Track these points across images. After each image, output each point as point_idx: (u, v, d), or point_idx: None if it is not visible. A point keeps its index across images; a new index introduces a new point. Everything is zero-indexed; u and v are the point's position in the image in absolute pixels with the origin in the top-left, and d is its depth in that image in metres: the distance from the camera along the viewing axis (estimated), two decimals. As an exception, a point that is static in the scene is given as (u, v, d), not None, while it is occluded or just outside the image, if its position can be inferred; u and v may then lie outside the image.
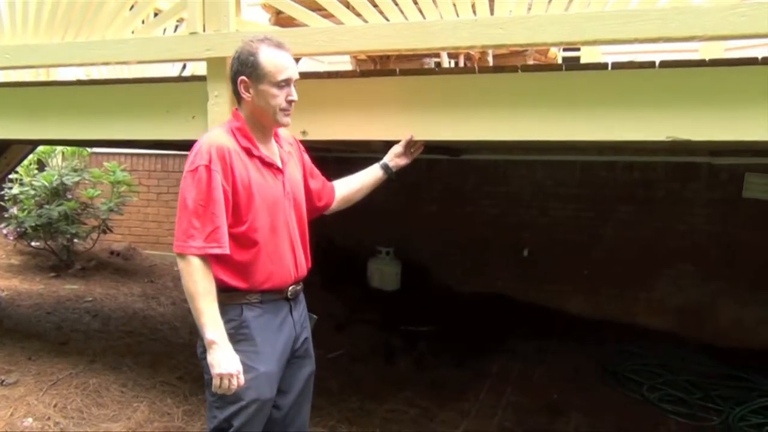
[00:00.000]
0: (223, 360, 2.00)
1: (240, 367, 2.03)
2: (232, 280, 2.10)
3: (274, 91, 2.08)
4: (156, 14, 3.27)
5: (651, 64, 2.27)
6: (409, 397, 4.06)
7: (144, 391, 3.90)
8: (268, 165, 2.16)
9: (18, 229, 6.52)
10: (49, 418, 3.51)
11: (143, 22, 3.15)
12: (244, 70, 2.09)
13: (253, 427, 2.13)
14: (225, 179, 2.03)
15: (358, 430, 3.57)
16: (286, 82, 2.10)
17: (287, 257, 2.19)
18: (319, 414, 3.65)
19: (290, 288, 2.21)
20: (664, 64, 2.25)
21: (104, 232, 7.04)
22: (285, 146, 2.30)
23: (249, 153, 2.12)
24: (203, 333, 2.02)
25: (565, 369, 4.65)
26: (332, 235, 6.72)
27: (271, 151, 2.22)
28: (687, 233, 5.65)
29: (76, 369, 4.17)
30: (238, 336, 2.10)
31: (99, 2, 3.02)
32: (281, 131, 2.32)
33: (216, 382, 2.02)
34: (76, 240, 6.86)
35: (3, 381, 3.94)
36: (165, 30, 3.48)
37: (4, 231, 6.66)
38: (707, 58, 2.29)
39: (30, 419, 3.49)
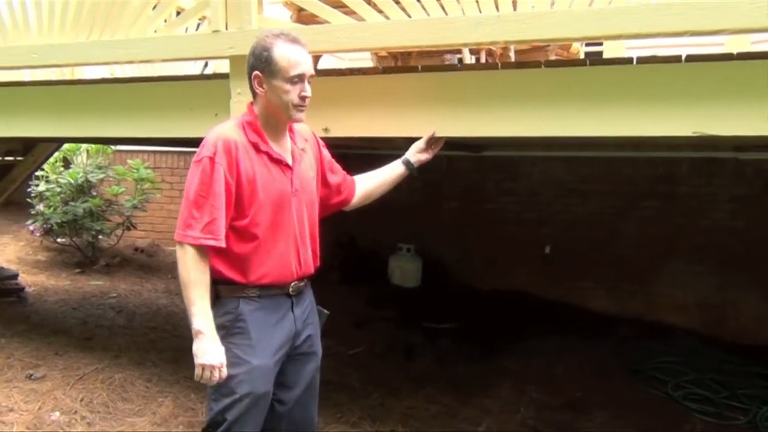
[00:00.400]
0: (208, 351, 2.01)
1: (223, 360, 2.04)
2: (231, 272, 2.11)
3: (287, 86, 2.07)
4: (178, 13, 3.31)
5: (677, 59, 2.24)
6: (430, 393, 4.06)
7: (168, 386, 3.95)
8: (276, 161, 2.15)
9: (44, 226, 6.63)
10: (75, 412, 3.56)
11: (165, 21, 3.18)
12: (258, 65, 2.09)
13: (248, 421, 2.13)
14: (229, 172, 2.03)
15: (380, 427, 3.57)
16: (300, 78, 2.08)
17: (290, 254, 2.18)
18: (340, 410, 3.67)
19: (292, 284, 2.20)
20: (691, 58, 2.22)
21: (128, 228, 7.13)
22: (299, 142, 2.28)
23: (257, 148, 2.11)
24: (191, 322, 2.03)
25: (588, 366, 4.61)
26: (353, 232, 6.74)
27: (283, 147, 2.20)
28: (711, 229, 5.57)
29: (102, 364, 4.23)
30: (233, 329, 2.11)
31: (123, 2, 3.06)
32: (298, 126, 2.31)
33: (198, 371, 2.03)
34: (100, 236, 6.96)
35: (31, 375, 4.01)
36: (187, 29, 3.51)
37: (31, 228, 6.78)
38: (734, 52, 2.25)
39: (57, 413, 3.54)
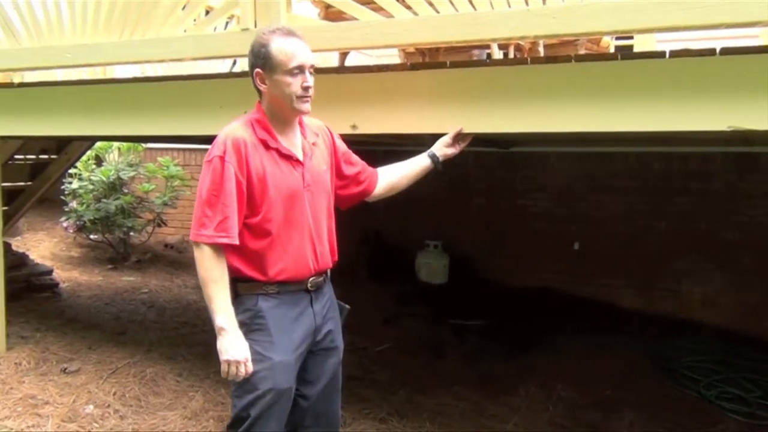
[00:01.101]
0: (231, 346, 2.04)
1: (248, 355, 2.06)
2: (249, 270, 2.13)
3: (288, 79, 2.07)
4: (207, 12, 3.34)
5: (711, 52, 2.19)
6: (458, 390, 4.05)
7: (198, 381, 4.00)
8: (286, 157, 2.16)
9: (77, 223, 6.77)
10: (109, 406, 3.63)
11: (195, 20, 3.21)
12: (258, 62, 2.11)
13: (271, 417, 2.14)
14: (239, 171, 2.05)
15: (407, 423, 3.57)
16: (299, 69, 2.08)
17: (305, 249, 2.18)
18: (368, 406, 3.68)
19: (310, 280, 2.21)
20: (725, 51, 2.17)
21: (158, 225, 7.24)
22: (310, 137, 2.28)
23: (266, 145, 2.12)
24: (213, 319, 2.05)
25: (618, 364, 4.56)
26: (380, 229, 6.75)
27: (292, 142, 2.21)
28: (745, 226, 5.46)
29: (134, 358, 4.30)
30: (253, 326, 2.13)
31: (153, 2, 3.10)
32: (308, 121, 2.31)
33: (224, 368, 2.05)
34: (132, 233, 7.09)
35: (65, 369, 4.10)
36: (215, 28, 3.54)
37: (65, 224, 6.92)
38: (771, 44, 2.20)
39: (91, 406, 3.62)
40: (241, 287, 2.15)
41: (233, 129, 2.12)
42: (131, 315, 5.36)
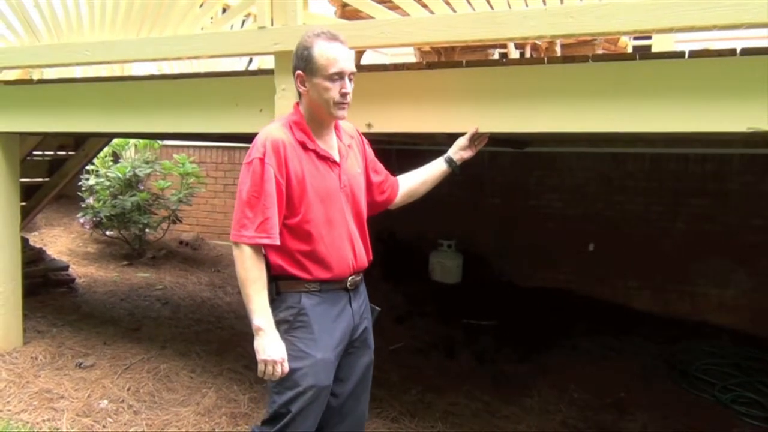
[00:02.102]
0: (268, 346, 2.06)
1: (284, 354, 2.08)
2: (291, 268, 2.15)
3: (327, 84, 2.08)
4: (224, 10, 3.35)
5: (731, 52, 2.17)
6: (470, 390, 4.04)
7: (212, 378, 4.02)
8: (324, 158, 2.18)
9: (94, 219, 6.83)
10: (123, 401, 3.66)
11: (212, 18, 3.22)
12: (300, 64, 2.13)
13: (310, 413, 2.17)
14: (279, 172, 2.07)
15: (419, 423, 3.57)
16: (339, 75, 2.09)
17: (345, 248, 2.21)
18: (380, 405, 3.67)
19: (349, 278, 2.24)
20: (746, 52, 2.15)
21: (174, 222, 7.29)
22: (345, 139, 2.31)
23: (304, 146, 2.14)
24: (251, 319, 2.08)
25: (632, 367, 4.53)
26: (394, 228, 6.74)
27: (329, 144, 2.23)
28: (763, 228, 5.40)
29: (148, 354, 4.33)
30: (296, 323, 2.14)
31: (171, 0, 3.12)
32: (343, 124, 2.33)
33: (261, 367, 2.08)
34: (147, 230, 7.13)
35: (81, 364, 4.13)
36: (232, 26, 3.56)
37: (81, 220, 6.98)
38: (792, 45, 2.17)
39: (106, 401, 3.64)
40: (282, 285, 2.17)
41: (272, 130, 2.13)
42: (146, 311, 5.39)
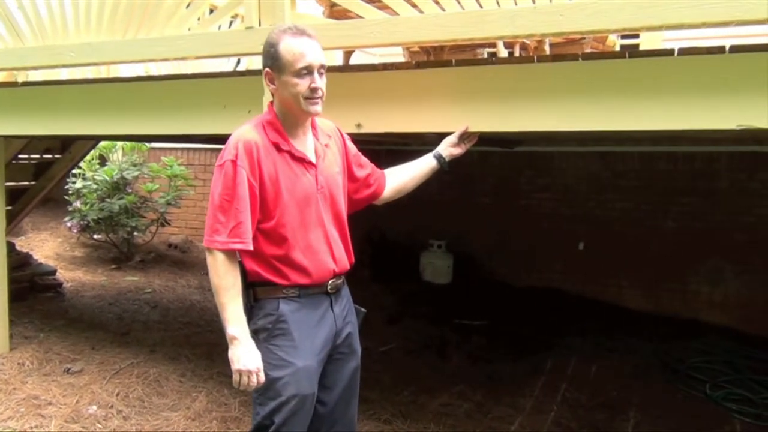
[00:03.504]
0: (243, 356, 1.99)
1: (260, 364, 2.01)
2: (268, 274, 2.08)
3: (295, 80, 2.03)
4: (211, 11, 3.32)
5: (720, 50, 2.16)
6: (462, 391, 4.03)
7: (202, 382, 3.99)
8: (299, 159, 2.12)
9: (81, 223, 6.76)
10: (112, 406, 3.62)
11: (199, 19, 3.19)
12: (267, 61, 2.08)
13: (295, 423, 2.10)
14: (252, 175, 2.01)
15: (411, 424, 3.55)
16: (307, 70, 2.03)
17: (323, 252, 2.15)
18: (372, 407, 3.66)
19: (330, 282, 2.18)
20: (735, 49, 2.14)
21: (162, 225, 7.23)
22: (322, 138, 2.24)
23: (278, 147, 2.08)
24: (225, 328, 2.01)
25: (624, 365, 4.53)
26: (384, 229, 6.73)
27: (304, 144, 2.17)
28: (753, 226, 5.43)
29: (137, 359, 4.29)
30: (275, 331, 2.08)
31: (157, 1, 3.08)
32: (320, 122, 2.27)
33: (236, 377, 2.01)
34: (135, 233, 7.08)
35: (69, 369, 4.09)
36: (219, 27, 3.53)
37: (68, 224, 6.91)
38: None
39: (94, 406, 3.61)
40: (259, 291, 2.10)
41: (244, 132, 2.08)
42: (135, 315, 5.35)
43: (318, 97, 2.08)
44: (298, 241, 2.09)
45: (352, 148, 2.40)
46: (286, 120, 2.13)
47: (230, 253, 2.01)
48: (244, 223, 2.00)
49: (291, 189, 2.08)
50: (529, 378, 4.29)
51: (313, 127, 2.23)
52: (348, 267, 2.27)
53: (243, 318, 2.02)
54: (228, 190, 1.99)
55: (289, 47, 2.03)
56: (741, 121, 2.15)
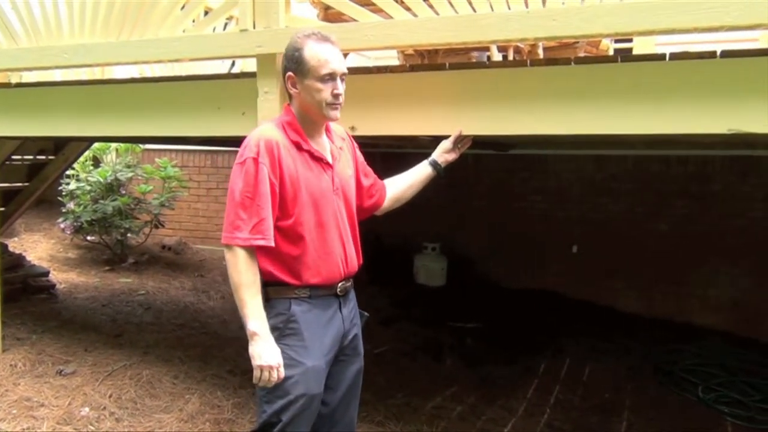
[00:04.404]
0: (264, 352, 2.01)
1: (280, 360, 2.03)
2: (281, 273, 2.11)
3: (319, 85, 2.07)
4: (206, 13, 3.32)
5: (712, 54, 2.18)
6: (456, 393, 4.04)
7: (195, 384, 3.98)
8: (318, 159, 2.15)
9: (75, 224, 6.74)
10: (104, 408, 3.61)
11: (194, 21, 3.19)
12: (291, 65, 2.11)
13: (301, 422, 2.13)
14: (272, 172, 2.03)
15: (404, 426, 3.56)
16: (331, 76, 2.07)
17: (336, 252, 2.17)
18: (365, 409, 3.65)
19: (340, 284, 2.20)
20: (726, 54, 2.16)
21: (156, 226, 7.21)
22: (337, 141, 2.28)
23: (298, 147, 2.11)
24: (245, 324, 2.03)
25: (617, 368, 4.56)
26: (379, 231, 6.73)
27: (322, 146, 2.21)
28: (745, 228, 5.46)
29: (130, 360, 4.28)
30: (286, 330, 2.10)
31: (152, 2, 3.08)
32: (334, 126, 2.31)
33: (256, 373, 2.03)
34: (129, 234, 7.06)
35: (62, 371, 4.07)
36: (214, 29, 3.52)
37: (62, 225, 6.89)
38: (772, 47, 2.19)
39: (87, 408, 3.59)
40: (271, 291, 2.12)
41: (265, 130, 2.10)
42: (128, 317, 5.33)
43: (339, 104, 2.12)
44: (314, 240, 2.11)
45: (360, 156, 2.43)
46: (304, 122, 2.16)
47: (250, 250, 2.03)
48: (266, 220, 2.02)
49: (310, 188, 2.10)
50: (522, 380, 4.30)
51: (328, 130, 2.27)
52: (357, 269, 2.30)
53: (263, 314, 2.05)
54: (249, 186, 2.01)
55: (314, 53, 2.06)
56: (732, 125, 2.16)
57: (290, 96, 2.18)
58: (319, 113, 2.12)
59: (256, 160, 2.02)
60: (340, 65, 2.10)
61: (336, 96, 2.09)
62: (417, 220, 6.24)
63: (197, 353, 4.49)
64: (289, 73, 2.12)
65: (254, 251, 2.05)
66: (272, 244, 2.04)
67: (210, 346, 4.65)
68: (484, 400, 3.96)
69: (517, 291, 6.31)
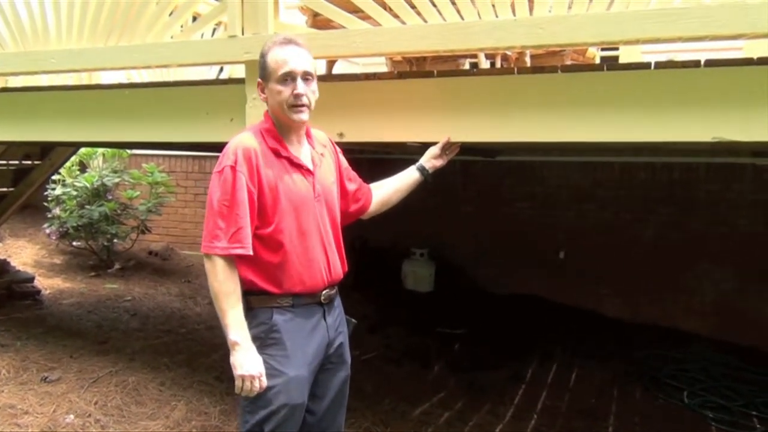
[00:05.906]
0: (246, 361, 2.00)
1: (262, 369, 2.02)
2: (263, 282, 2.09)
3: (279, 87, 2.06)
4: (195, 19, 3.32)
5: (696, 64, 2.21)
6: (443, 399, 4.05)
7: (181, 390, 3.96)
8: (297, 166, 2.13)
9: (60, 229, 6.68)
10: (90, 415, 3.57)
11: (182, 26, 3.19)
12: (259, 72, 2.14)
13: None
14: (250, 180, 2.02)
15: (393, 432, 3.57)
16: (290, 77, 2.06)
17: (319, 260, 2.15)
18: (353, 416, 3.65)
19: (323, 292, 2.18)
20: (710, 63, 2.19)
21: (143, 232, 7.17)
22: (318, 147, 2.26)
23: (277, 154, 2.10)
24: (226, 333, 2.01)
25: (603, 373, 4.58)
26: (366, 236, 6.74)
27: (301, 152, 2.19)
28: (729, 235, 5.52)
29: (116, 367, 4.24)
30: (268, 340, 2.08)
31: (140, 8, 3.08)
32: (315, 132, 2.30)
33: (238, 383, 2.01)
34: (115, 240, 7.00)
35: (46, 378, 4.03)
36: (202, 35, 3.52)
37: (48, 231, 6.83)
38: (755, 57, 2.22)
39: (72, 416, 3.56)
40: (253, 300, 2.10)
41: (243, 138, 2.09)
42: (114, 323, 5.29)
43: (302, 105, 2.09)
44: (296, 248, 2.09)
45: (344, 161, 2.42)
46: (281, 128, 2.15)
47: (230, 259, 2.02)
48: (244, 229, 2.01)
49: (289, 195, 2.09)
50: (509, 386, 4.32)
51: (309, 136, 2.25)
52: (341, 276, 2.28)
53: (244, 323, 2.03)
54: (227, 195, 2.00)
55: (275, 55, 2.07)
56: (715, 133, 2.19)
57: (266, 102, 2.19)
58: (285, 116, 2.10)
59: (234, 169, 2.01)
60: (299, 64, 2.07)
61: (297, 96, 2.06)
62: (405, 225, 6.25)
63: (184, 359, 4.47)
64: (259, 80, 2.14)
65: (234, 260, 2.03)
66: (250, 252, 2.03)
67: (197, 353, 4.63)
68: (472, 405, 3.97)
69: (504, 296, 6.33)
